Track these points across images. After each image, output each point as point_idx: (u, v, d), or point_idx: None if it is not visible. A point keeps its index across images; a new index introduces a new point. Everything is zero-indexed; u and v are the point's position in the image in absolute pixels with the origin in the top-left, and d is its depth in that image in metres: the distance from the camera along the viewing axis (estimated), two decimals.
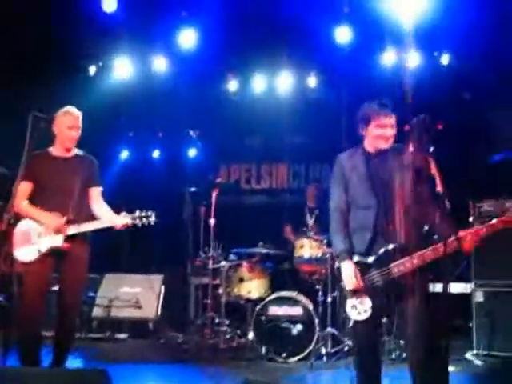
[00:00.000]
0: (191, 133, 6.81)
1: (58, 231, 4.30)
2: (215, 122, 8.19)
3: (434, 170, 3.15)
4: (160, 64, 7.73)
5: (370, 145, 3.66)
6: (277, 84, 8.07)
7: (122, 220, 4.36)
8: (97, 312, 7.14)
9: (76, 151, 4.65)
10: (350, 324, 3.48)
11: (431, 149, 3.08)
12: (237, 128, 8.57)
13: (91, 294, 7.11)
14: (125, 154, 9.13)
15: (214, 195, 6.58)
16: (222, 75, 8.20)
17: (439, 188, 3.11)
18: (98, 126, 7.50)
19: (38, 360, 4.30)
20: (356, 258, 3.51)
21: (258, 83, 8.15)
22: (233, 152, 8.94)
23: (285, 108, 8.10)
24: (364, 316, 3.42)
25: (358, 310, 3.44)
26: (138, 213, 4.40)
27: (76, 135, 4.55)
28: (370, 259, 3.47)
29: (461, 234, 3.22)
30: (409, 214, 3.33)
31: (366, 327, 3.46)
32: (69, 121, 4.51)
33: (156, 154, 9.19)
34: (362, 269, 3.48)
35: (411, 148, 3.41)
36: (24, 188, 4.41)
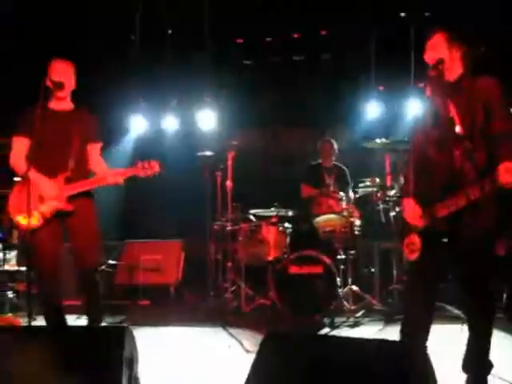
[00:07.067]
0: (206, 98, 6.74)
1: (57, 196, 4.13)
2: (231, 87, 8.14)
3: (453, 112, 3.08)
4: None
5: None
6: None
7: (114, 178, 4.21)
8: (118, 279, 7.20)
9: (74, 105, 4.44)
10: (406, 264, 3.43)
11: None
12: (253, 92, 8.50)
13: (112, 262, 7.16)
14: (138, 122, 9.04)
15: (230, 158, 6.54)
16: None
17: (458, 129, 3.05)
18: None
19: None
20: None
21: None
22: (249, 116, 8.83)
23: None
24: (414, 255, 3.34)
25: (410, 248, 3.38)
26: (140, 164, 4.22)
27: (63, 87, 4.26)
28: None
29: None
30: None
31: (417, 270, 3.37)
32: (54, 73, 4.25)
33: (170, 121, 9.05)
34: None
35: (428, 92, 3.35)
36: (20, 144, 4.24)
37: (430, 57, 3.39)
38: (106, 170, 4.37)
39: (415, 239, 3.36)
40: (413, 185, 3.46)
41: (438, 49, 3.37)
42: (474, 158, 3.13)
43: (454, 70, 3.36)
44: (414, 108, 7.33)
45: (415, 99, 7.37)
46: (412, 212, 3.40)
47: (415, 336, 3.32)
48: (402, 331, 3.40)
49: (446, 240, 3.30)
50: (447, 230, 3.27)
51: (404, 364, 2.46)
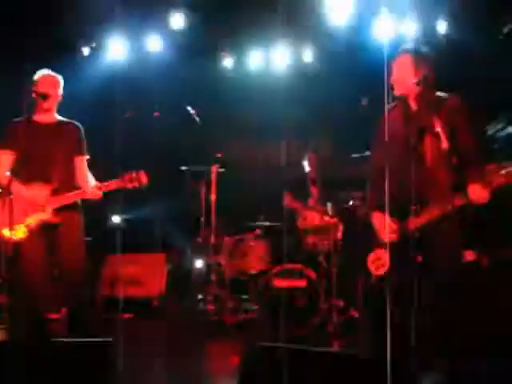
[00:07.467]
0: (190, 110, 6.73)
1: (43, 208, 4.13)
2: (213, 100, 8.14)
3: (438, 126, 3.13)
4: (154, 44, 7.71)
5: None
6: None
7: (94, 192, 4.26)
8: (101, 292, 7.13)
9: (59, 117, 4.46)
10: (372, 280, 3.41)
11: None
12: (234, 104, 8.50)
13: (94, 275, 7.09)
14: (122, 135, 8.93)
15: (214, 171, 6.54)
16: (215, 53, 8.18)
17: (444, 145, 3.10)
18: (91, 109, 7.44)
19: None
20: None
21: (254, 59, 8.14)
22: (232, 128, 8.85)
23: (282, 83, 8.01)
24: (382, 270, 3.34)
25: (377, 264, 3.38)
26: (126, 176, 4.25)
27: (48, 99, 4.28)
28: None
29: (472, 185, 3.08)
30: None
31: (387, 286, 3.29)
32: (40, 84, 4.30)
33: (154, 133, 8.98)
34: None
35: (415, 106, 3.39)
36: (4, 157, 4.25)
37: (397, 77, 3.44)
38: (90, 182, 4.36)
39: (382, 254, 3.36)
40: (378, 197, 3.48)
41: (406, 69, 3.41)
42: (457, 171, 3.19)
43: None
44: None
45: None
46: (385, 227, 3.38)
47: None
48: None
49: (415, 251, 3.24)
50: (417, 242, 3.24)
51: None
